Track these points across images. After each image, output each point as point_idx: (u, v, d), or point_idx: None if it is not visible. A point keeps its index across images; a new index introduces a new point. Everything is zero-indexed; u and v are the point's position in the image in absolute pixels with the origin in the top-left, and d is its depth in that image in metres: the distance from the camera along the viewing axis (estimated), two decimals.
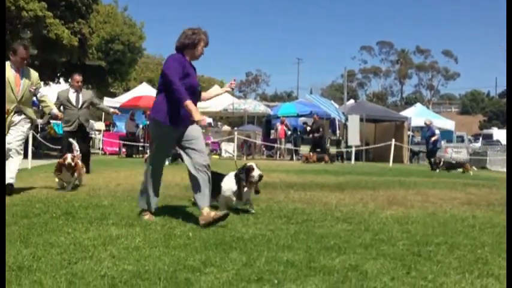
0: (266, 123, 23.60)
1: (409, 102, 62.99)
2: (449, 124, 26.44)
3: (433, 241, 3.56)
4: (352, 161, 18.13)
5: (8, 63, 5.68)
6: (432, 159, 15.62)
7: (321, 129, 18.57)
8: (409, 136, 22.55)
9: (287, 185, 7.62)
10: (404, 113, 25.87)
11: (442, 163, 15.05)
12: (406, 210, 5.16)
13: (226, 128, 25.04)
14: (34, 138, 11.65)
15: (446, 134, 27.23)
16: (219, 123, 28.05)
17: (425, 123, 17.49)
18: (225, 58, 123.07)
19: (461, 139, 30.47)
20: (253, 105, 22.59)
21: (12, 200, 4.95)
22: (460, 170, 14.69)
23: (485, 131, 43.28)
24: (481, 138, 36.54)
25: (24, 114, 5.68)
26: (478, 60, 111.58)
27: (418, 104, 30.72)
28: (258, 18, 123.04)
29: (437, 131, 17.03)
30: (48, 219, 3.96)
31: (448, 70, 76.90)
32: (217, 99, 23.16)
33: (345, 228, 4.05)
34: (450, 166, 15.03)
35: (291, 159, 19.82)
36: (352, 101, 31.43)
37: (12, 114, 5.56)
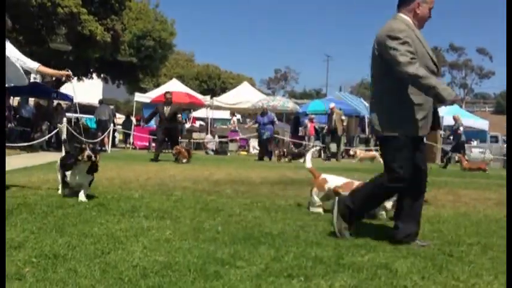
0: (294, 120, 23.52)
1: None
2: (483, 124, 25.77)
3: (466, 241, 3.49)
4: (381, 160, 17.88)
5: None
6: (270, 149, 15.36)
7: (178, 115, 13.56)
8: (441, 135, 22.08)
9: None
10: None
11: (285, 153, 14.52)
12: (437, 210, 5.07)
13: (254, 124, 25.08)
14: (67, 131, 11.92)
15: (480, 134, 26.52)
16: (248, 119, 28.10)
17: (262, 108, 16.51)
18: (255, 55, 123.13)
19: (495, 139, 29.62)
20: (281, 103, 22.56)
21: (48, 192, 5.10)
22: (302, 160, 14.31)
23: None
24: None
25: None
26: None
27: None
28: (288, 15, 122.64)
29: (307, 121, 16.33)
30: (82, 210, 4.07)
31: (483, 68, 74.87)
32: (246, 97, 23.29)
33: (374, 226, 4.02)
34: (294, 155, 14.55)
35: (319, 156, 19.72)
36: None
37: None
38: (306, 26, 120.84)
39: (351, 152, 15.73)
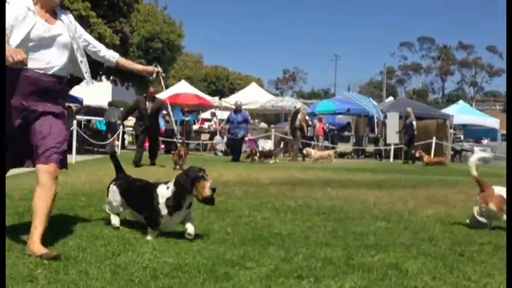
0: None
1: (450, 100, 61.19)
2: (493, 122, 25.56)
3: (477, 241, 3.47)
4: (391, 159, 17.82)
5: None
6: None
7: (164, 112, 11.85)
8: (451, 134, 21.92)
9: (324, 183, 7.59)
10: (446, 110, 25.18)
11: (256, 153, 13.79)
12: (448, 210, 5.04)
13: (263, 125, 25.09)
14: (78, 134, 12.03)
15: (491, 132, 26.31)
16: (256, 120, 28.12)
17: (236, 104, 14.76)
18: (263, 55, 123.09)
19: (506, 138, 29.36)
20: (290, 103, 22.53)
21: (58, 194, 5.13)
22: (272, 161, 13.81)
23: None
24: None
25: None
26: None
27: (461, 101, 29.82)
28: (295, 15, 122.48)
29: (247, 114, 14.78)
30: (92, 212, 4.10)
31: (493, 66, 74.25)
32: (254, 97, 23.28)
33: (384, 226, 4.00)
34: (263, 155, 13.95)
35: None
36: (391, 98, 30.87)
37: None
38: (313, 26, 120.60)
39: (305, 152, 15.56)
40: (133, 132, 18.71)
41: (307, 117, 16.51)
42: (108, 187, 3.65)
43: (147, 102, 10.58)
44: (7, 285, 2.18)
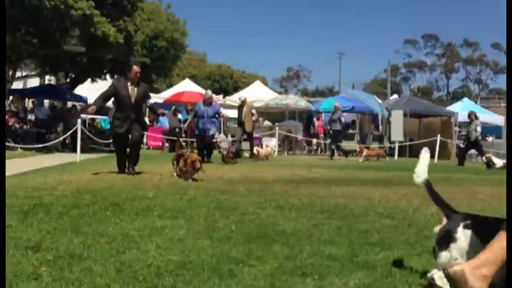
0: (308, 118, 23.49)
1: (455, 97, 60.95)
2: (498, 119, 25.44)
3: None
4: (396, 157, 17.78)
5: None
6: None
7: (151, 101, 8.65)
8: (455, 131, 21.86)
9: (328, 180, 7.57)
10: (451, 108, 25.09)
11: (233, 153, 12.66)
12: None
13: (267, 123, 25.09)
14: (82, 132, 12.07)
15: (496, 130, 26.21)
16: (260, 118, 28.14)
17: (206, 95, 12.57)
18: (266, 53, 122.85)
19: None
20: (294, 101, 22.53)
21: (63, 192, 5.16)
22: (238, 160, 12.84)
23: None
24: None
25: None
26: None
27: (466, 99, 29.73)
28: (299, 13, 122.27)
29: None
30: (96, 210, 4.10)
31: (498, 63, 73.89)
32: (259, 95, 23.26)
33: (389, 223, 3.98)
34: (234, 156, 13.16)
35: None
36: (395, 96, 30.79)
37: None
38: (317, 23, 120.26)
39: (255, 151, 15.14)
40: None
41: (253, 111, 15.53)
42: (449, 233, 2.28)
43: (130, 86, 7.51)
44: (12, 283, 2.19)
